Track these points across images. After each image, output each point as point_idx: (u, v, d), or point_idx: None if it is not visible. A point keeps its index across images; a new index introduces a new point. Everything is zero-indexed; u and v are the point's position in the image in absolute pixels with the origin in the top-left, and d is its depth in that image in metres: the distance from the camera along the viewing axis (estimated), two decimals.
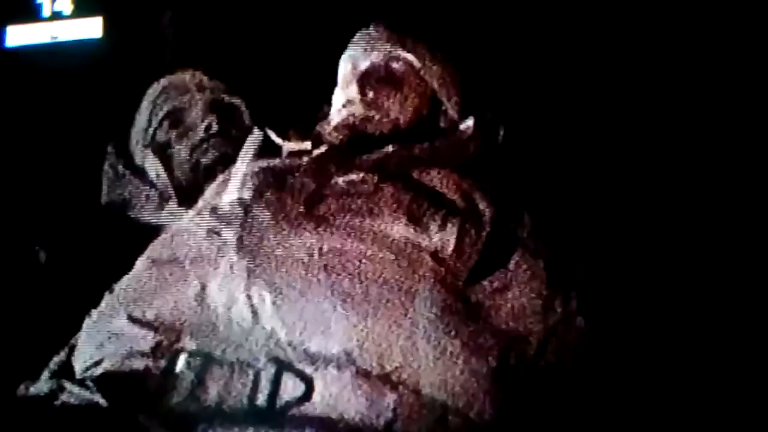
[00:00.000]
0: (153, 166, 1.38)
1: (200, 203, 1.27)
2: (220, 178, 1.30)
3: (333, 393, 0.95)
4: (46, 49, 2.10)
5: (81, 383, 0.99)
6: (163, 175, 1.36)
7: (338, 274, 1.03)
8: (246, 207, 1.14)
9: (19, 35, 2.12)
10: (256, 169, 1.23)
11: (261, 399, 0.94)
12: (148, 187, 1.36)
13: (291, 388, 0.95)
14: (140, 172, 1.38)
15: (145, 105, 1.42)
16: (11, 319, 1.36)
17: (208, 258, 1.06)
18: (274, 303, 0.99)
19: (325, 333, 0.99)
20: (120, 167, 1.41)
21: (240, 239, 1.06)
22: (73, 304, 1.18)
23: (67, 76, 2.04)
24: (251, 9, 1.93)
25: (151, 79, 1.93)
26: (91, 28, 2.12)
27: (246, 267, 1.02)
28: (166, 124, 1.40)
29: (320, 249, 1.06)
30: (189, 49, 1.91)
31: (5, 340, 1.30)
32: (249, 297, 1.00)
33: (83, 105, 2.01)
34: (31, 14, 2.13)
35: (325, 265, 1.04)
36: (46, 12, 2.14)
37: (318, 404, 0.94)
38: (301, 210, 1.12)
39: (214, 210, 1.18)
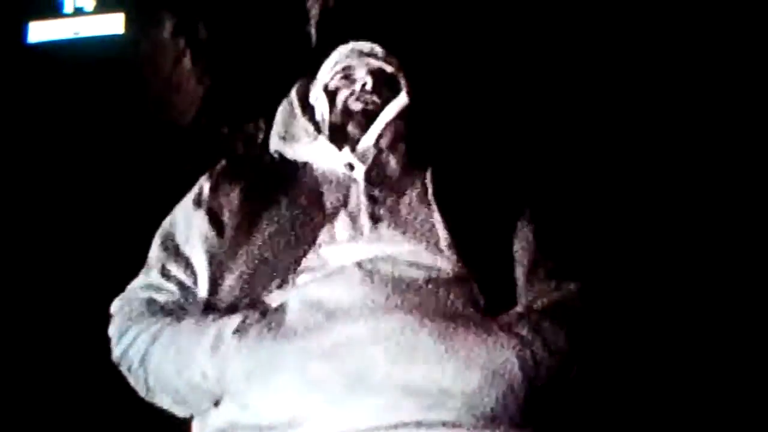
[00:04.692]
0: (322, 105, 1.52)
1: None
2: None
3: None
4: (68, 44, 2.11)
5: None
6: (327, 114, 1.50)
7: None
8: None
9: (41, 31, 2.13)
10: None
11: None
12: (310, 124, 1.51)
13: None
14: (309, 110, 1.54)
15: (332, 58, 1.56)
16: None
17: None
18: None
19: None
20: (295, 105, 1.56)
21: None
22: None
23: (89, 71, 2.04)
24: None
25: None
26: (113, 24, 2.12)
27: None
28: (339, 75, 1.53)
29: None
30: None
31: None
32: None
33: (105, 100, 2.01)
34: (54, 10, 2.14)
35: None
36: (68, 8, 2.14)
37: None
38: None
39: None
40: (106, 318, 1.34)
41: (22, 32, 2.12)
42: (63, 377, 1.62)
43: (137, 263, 1.39)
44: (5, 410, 1.59)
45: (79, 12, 2.15)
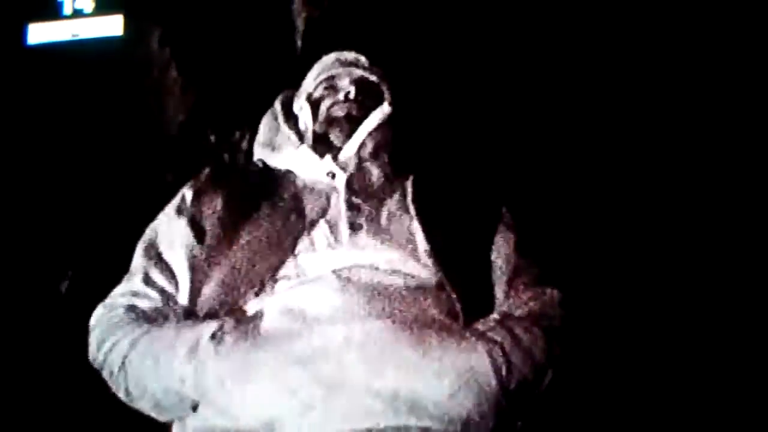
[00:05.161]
0: (305, 114, 1.55)
1: None
2: None
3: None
4: (67, 46, 2.12)
5: None
6: (311, 123, 1.53)
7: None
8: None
9: (40, 33, 2.14)
10: None
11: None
12: (293, 133, 1.54)
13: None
14: (293, 119, 1.57)
15: (316, 68, 1.61)
16: None
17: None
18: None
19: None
20: (279, 115, 1.59)
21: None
22: None
23: (88, 73, 2.05)
24: None
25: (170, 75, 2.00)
26: (112, 25, 2.13)
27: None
28: (322, 85, 1.56)
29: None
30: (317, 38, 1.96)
31: None
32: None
33: (103, 102, 2.02)
34: (53, 12, 2.14)
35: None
36: (67, 10, 2.15)
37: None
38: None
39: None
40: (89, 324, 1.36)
41: (22, 34, 2.13)
42: (47, 382, 1.64)
43: (122, 269, 1.41)
44: None
45: (78, 14, 2.16)
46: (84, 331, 1.35)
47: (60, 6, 2.15)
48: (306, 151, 1.48)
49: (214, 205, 1.43)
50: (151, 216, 1.47)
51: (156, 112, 2.01)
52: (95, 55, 2.09)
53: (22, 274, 1.79)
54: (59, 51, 2.11)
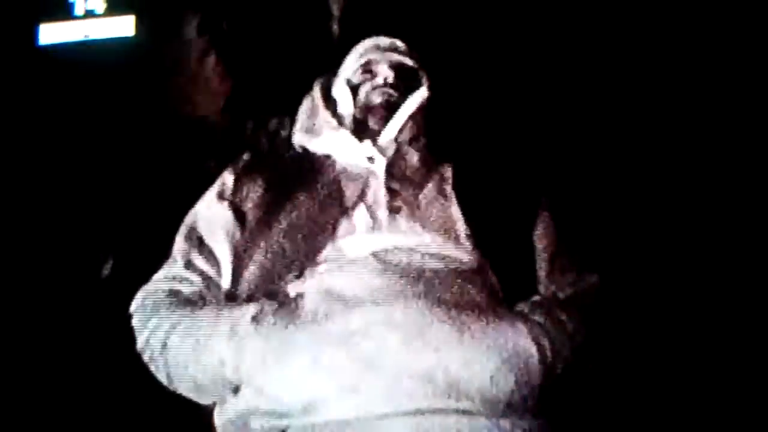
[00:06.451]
0: (344, 99, 1.55)
1: None
2: None
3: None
4: (78, 47, 2.10)
5: None
6: (350, 107, 1.53)
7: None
8: None
9: (52, 33, 2.12)
10: None
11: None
12: (332, 117, 1.53)
13: None
14: (332, 104, 1.57)
15: (354, 53, 1.60)
16: None
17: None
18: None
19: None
20: (318, 99, 1.58)
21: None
22: None
23: (100, 74, 2.04)
24: None
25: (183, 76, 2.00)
26: (124, 26, 2.12)
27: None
28: (360, 70, 1.56)
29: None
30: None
31: None
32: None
33: (115, 102, 2.02)
34: (64, 12, 2.13)
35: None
36: (79, 10, 2.14)
37: None
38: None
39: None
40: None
41: (34, 34, 2.12)
42: (88, 366, 1.62)
43: (162, 254, 1.41)
44: (32, 400, 1.59)
45: (90, 14, 2.15)
46: (125, 316, 1.34)
47: (71, 7, 2.14)
48: (346, 135, 1.48)
49: (255, 190, 1.44)
50: (191, 201, 1.46)
51: (187, 105, 2.00)
52: (107, 55, 2.09)
53: (65, 259, 1.77)
54: (71, 51, 2.10)
